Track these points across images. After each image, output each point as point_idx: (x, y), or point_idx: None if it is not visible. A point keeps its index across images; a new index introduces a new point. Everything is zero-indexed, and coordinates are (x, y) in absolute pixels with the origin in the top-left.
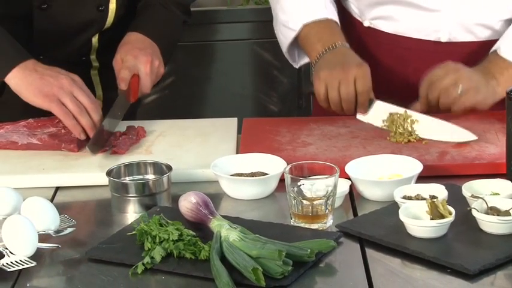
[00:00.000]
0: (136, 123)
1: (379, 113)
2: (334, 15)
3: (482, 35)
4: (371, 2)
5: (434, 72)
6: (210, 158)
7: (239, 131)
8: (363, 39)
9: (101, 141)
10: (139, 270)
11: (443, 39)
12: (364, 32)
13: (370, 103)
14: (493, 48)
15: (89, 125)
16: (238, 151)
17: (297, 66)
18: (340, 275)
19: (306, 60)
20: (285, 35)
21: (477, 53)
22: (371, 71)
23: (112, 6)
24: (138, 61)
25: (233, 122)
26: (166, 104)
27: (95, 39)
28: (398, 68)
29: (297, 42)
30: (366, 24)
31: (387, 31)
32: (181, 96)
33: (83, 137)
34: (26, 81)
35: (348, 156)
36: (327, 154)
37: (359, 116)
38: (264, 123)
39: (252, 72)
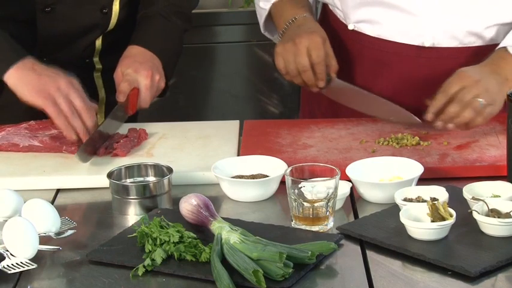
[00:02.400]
0: (138, 126)
1: (341, 91)
2: None
3: (467, 40)
4: (355, 4)
5: (451, 85)
6: (211, 160)
7: (240, 133)
8: (347, 43)
9: (91, 150)
10: (140, 272)
11: (427, 44)
12: (348, 36)
13: (328, 80)
14: (502, 44)
15: (80, 129)
16: (239, 153)
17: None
18: (341, 277)
19: None
20: (259, 14)
21: (461, 59)
22: (354, 75)
23: (115, 8)
24: (139, 75)
25: (235, 124)
26: (168, 106)
27: (98, 42)
28: (382, 72)
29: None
30: (350, 27)
31: (371, 34)
32: (183, 99)
33: (74, 138)
34: (24, 80)
35: (349, 158)
36: (328, 156)
37: (325, 92)
38: (265, 125)
39: (253, 74)
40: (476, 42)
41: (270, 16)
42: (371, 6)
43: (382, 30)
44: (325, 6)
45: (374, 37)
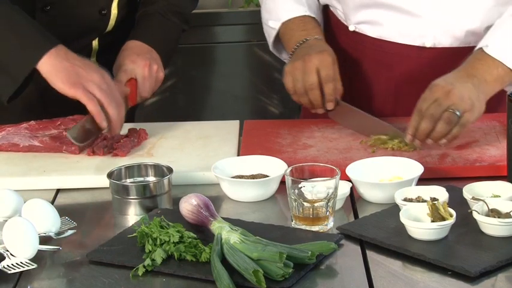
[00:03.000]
0: (138, 126)
1: (345, 114)
2: (312, 11)
3: (467, 40)
4: (356, 6)
5: (423, 101)
6: (211, 160)
7: (240, 133)
8: (349, 44)
9: (86, 136)
10: (140, 273)
11: (428, 45)
12: (349, 37)
13: (336, 102)
14: (479, 45)
15: (115, 115)
16: (239, 153)
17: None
18: (341, 277)
19: None
20: (268, 34)
21: (462, 58)
22: (355, 76)
23: (114, 9)
24: (136, 65)
25: (235, 124)
26: (168, 106)
27: (95, 42)
28: (383, 73)
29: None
30: (351, 28)
31: (372, 36)
32: (183, 99)
33: (104, 125)
34: (57, 67)
35: (349, 158)
36: (328, 156)
37: (330, 115)
38: (265, 125)
39: (253, 74)
40: (477, 42)
41: (278, 35)
42: (371, 8)
43: (382, 31)
44: (326, 8)
45: (375, 38)
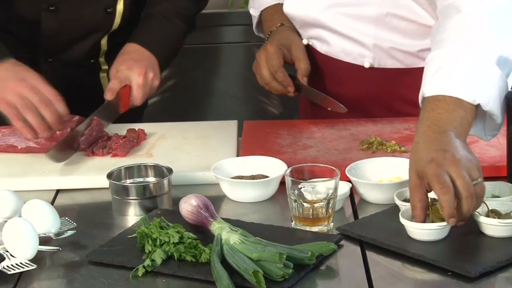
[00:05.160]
0: (136, 126)
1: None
2: None
3: (408, 61)
4: (301, 24)
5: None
6: (211, 160)
7: (240, 134)
8: (308, 55)
9: (67, 149)
10: (140, 273)
11: (367, 65)
12: (307, 49)
13: (296, 84)
14: (420, 97)
15: (35, 122)
16: (239, 154)
17: None
18: (341, 278)
19: None
20: (252, 20)
21: (405, 79)
22: (318, 85)
23: (119, 7)
24: (132, 72)
25: (233, 124)
26: (167, 106)
27: (103, 42)
28: (333, 88)
29: None
30: (305, 42)
31: (321, 51)
32: (182, 99)
33: (29, 136)
34: None
35: (349, 159)
36: (328, 157)
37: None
38: (265, 125)
39: (253, 74)
40: (418, 64)
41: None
42: (314, 28)
43: (329, 49)
44: None
45: (324, 54)
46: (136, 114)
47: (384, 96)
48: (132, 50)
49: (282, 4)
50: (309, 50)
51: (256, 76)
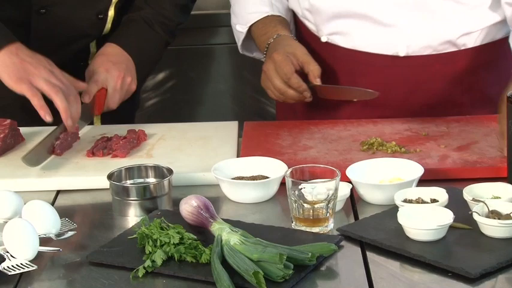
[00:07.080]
0: (137, 127)
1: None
2: (278, 11)
3: (440, 48)
4: (328, 17)
5: None
6: (211, 161)
7: (240, 135)
8: (320, 54)
9: (43, 154)
10: (140, 274)
11: (401, 54)
12: (321, 48)
13: (311, 88)
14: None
15: (63, 106)
16: (239, 154)
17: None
18: (341, 279)
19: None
20: (237, 37)
21: (435, 65)
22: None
23: (111, 13)
24: (110, 75)
25: (233, 125)
26: (167, 107)
27: (92, 45)
28: (357, 83)
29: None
30: (324, 39)
31: (344, 46)
32: (182, 100)
33: (48, 119)
34: (6, 63)
35: (349, 159)
36: (328, 157)
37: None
38: (265, 126)
39: (253, 75)
40: (449, 49)
41: (248, 36)
42: (344, 18)
43: (355, 42)
44: (295, 16)
45: (347, 49)
46: (128, 115)
47: (412, 86)
48: (111, 52)
49: (271, 17)
50: (327, 48)
51: (267, 91)
